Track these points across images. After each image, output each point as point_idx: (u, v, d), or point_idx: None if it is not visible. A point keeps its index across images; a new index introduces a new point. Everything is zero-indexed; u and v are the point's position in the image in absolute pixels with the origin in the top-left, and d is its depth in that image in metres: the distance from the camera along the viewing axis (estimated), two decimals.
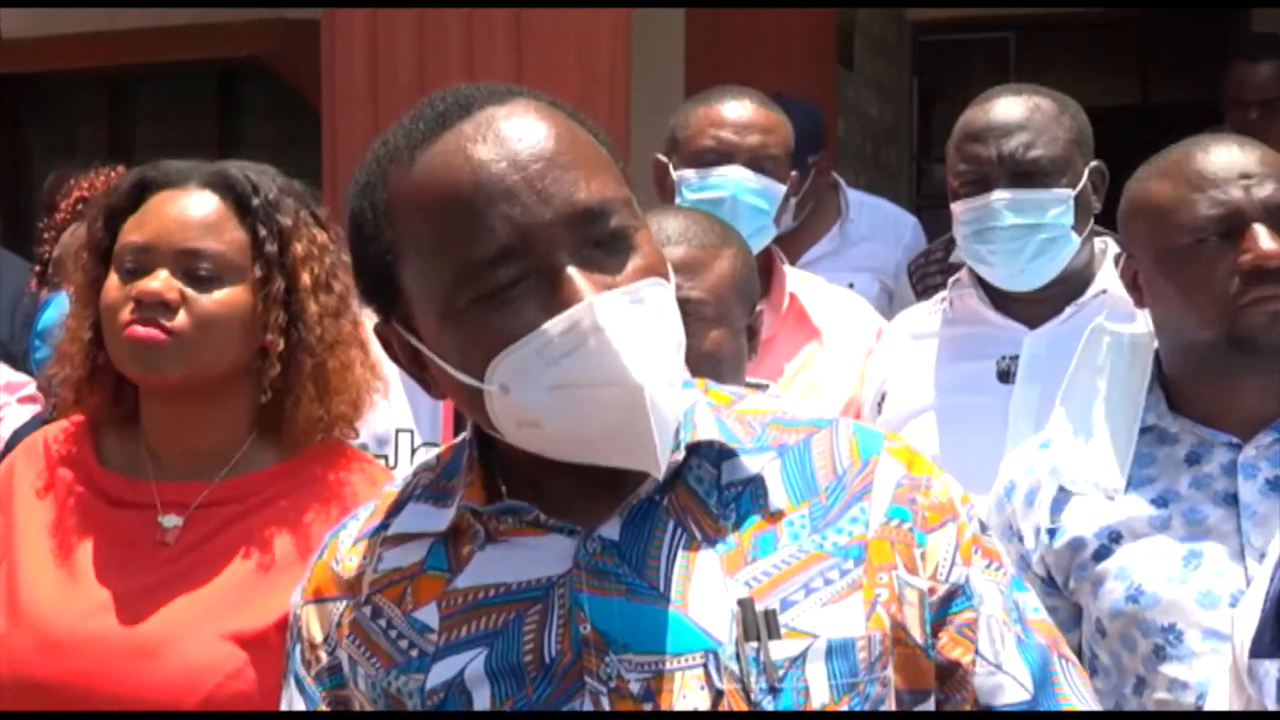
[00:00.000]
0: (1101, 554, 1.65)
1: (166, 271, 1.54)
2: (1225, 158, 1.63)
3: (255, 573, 1.54)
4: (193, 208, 1.58)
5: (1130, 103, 7.16)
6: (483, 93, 1.06)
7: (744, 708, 1.01)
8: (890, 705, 1.05)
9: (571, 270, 0.98)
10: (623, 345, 0.97)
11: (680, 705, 1.01)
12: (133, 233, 1.58)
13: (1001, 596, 1.11)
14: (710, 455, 1.09)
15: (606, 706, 1.02)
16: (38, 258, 3.16)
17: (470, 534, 1.09)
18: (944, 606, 1.08)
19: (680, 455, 1.06)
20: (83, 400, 1.64)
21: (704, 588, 1.04)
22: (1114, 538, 1.65)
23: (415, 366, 1.09)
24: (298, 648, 1.17)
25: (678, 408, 1.05)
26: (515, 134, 1.02)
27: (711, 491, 1.08)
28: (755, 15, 4.98)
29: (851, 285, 3.19)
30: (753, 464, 1.09)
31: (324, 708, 1.14)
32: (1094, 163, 2.10)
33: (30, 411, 2.42)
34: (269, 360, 1.59)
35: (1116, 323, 1.79)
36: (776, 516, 1.07)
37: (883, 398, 2.22)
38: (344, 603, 1.14)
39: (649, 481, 1.05)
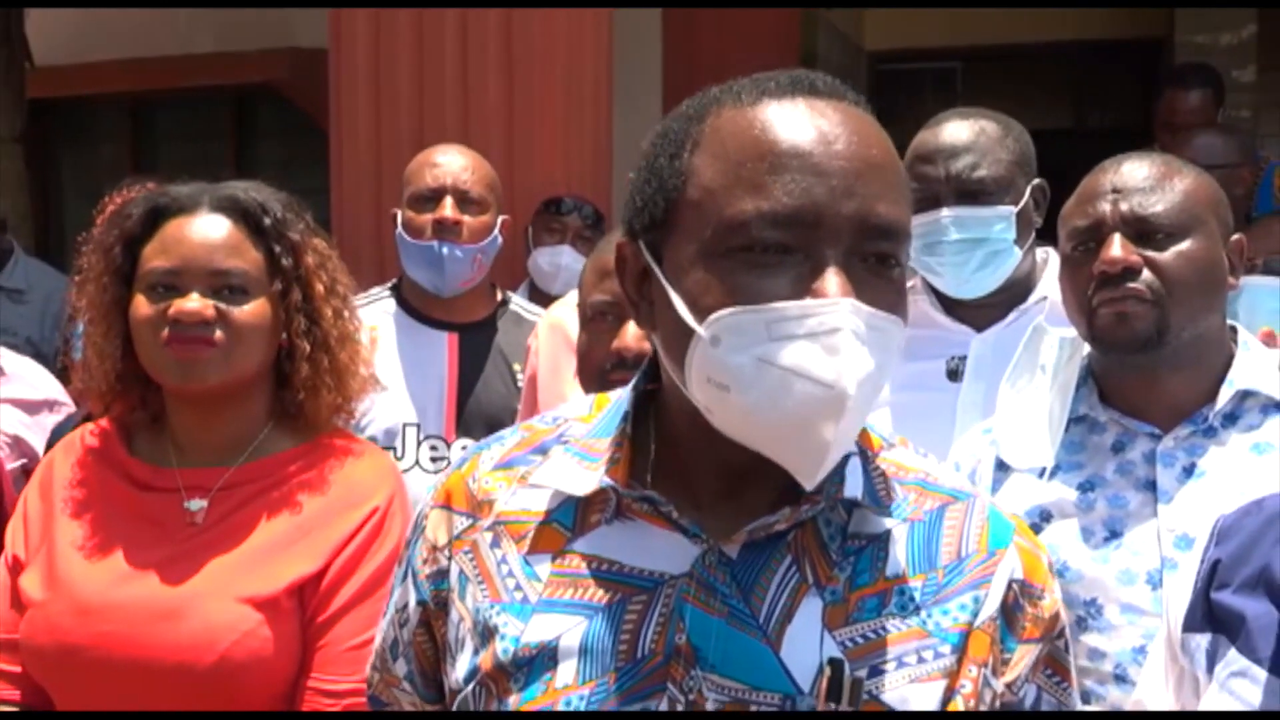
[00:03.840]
0: (1032, 531, 1.66)
1: (197, 292, 1.57)
2: (1111, 175, 1.65)
3: (270, 543, 1.57)
4: (213, 231, 1.60)
5: (1065, 126, 7.20)
6: (840, 90, 1.00)
7: None
8: None
9: (834, 268, 0.92)
10: (848, 354, 0.91)
11: None
12: (157, 258, 1.60)
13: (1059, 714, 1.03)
14: (845, 501, 1.01)
15: None
16: (77, 269, 3.14)
17: (602, 502, 1.04)
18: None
19: (822, 504, 1.00)
20: (111, 407, 1.67)
21: (801, 633, 0.98)
22: (1044, 516, 1.67)
23: (636, 290, 1.03)
24: (419, 544, 1.12)
25: (852, 440, 0.98)
26: (857, 129, 0.96)
27: (836, 537, 1.01)
28: (724, 49, 4.98)
29: None
30: (883, 522, 1.02)
31: (430, 606, 1.10)
32: (1036, 180, 2.10)
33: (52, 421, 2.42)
34: (296, 362, 1.62)
35: (1056, 326, 1.81)
36: (891, 583, 1.00)
37: None
38: (468, 520, 1.09)
39: (784, 511, 0.99)
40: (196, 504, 1.59)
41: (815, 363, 0.91)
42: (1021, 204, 2.06)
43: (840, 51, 6.68)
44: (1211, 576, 1.24)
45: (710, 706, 0.96)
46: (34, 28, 5.41)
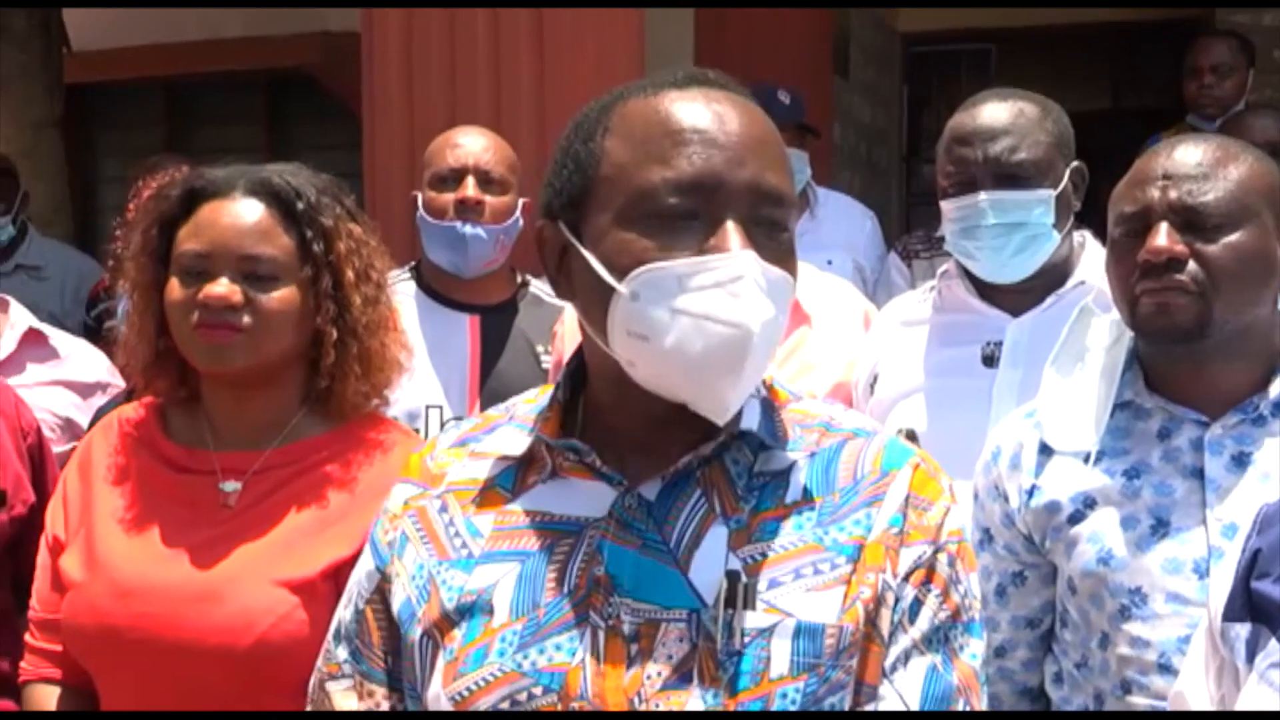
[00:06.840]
0: (1076, 518, 1.64)
1: (227, 277, 1.57)
2: (1163, 160, 1.60)
3: (305, 527, 1.57)
4: (245, 216, 1.60)
5: (1102, 108, 7.13)
6: (730, 83, 1.13)
7: (712, 665, 1.04)
8: (849, 694, 1.07)
9: (734, 225, 1.04)
10: (750, 298, 1.03)
11: (660, 651, 1.06)
12: (190, 240, 1.61)
13: (931, 627, 1.09)
14: (752, 444, 1.12)
15: (602, 640, 1.07)
16: (111, 254, 3.17)
17: (540, 465, 1.15)
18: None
19: (722, 437, 1.10)
20: (151, 385, 1.69)
21: (707, 555, 1.08)
22: (1088, 503, 1.64)
23: (556, 265, 1.14)
24: (382, 518, 1.23)
25: (756, 382, 1.09)
26: (746, 113, 1.09)
27: (742, 475, 1.12)
28: (757, 32, 4.95)
29: (830, 262, 3.20)
30: (786, 459, 1.13)
31: (386, 571, 1.19)
32: (1075, 163, 2.06)
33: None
34: (324, 348, 1.62)
35: (1102, 309, 1.78)
36: (790, 508, 1.10)
37: (875, 379, 2.20)
38: (419, 489, 1.21)
39: (692, 454, 1.09)
40: (231, 485, 1.60)
41: (722, 307, 1.03)
42: (1060, 187, 2.02)
43: (874, 34, 6.63)
44: (1252, 565, 1.23)
45: (625, 628, 1.06)
46: (70, 12, 5.46)
